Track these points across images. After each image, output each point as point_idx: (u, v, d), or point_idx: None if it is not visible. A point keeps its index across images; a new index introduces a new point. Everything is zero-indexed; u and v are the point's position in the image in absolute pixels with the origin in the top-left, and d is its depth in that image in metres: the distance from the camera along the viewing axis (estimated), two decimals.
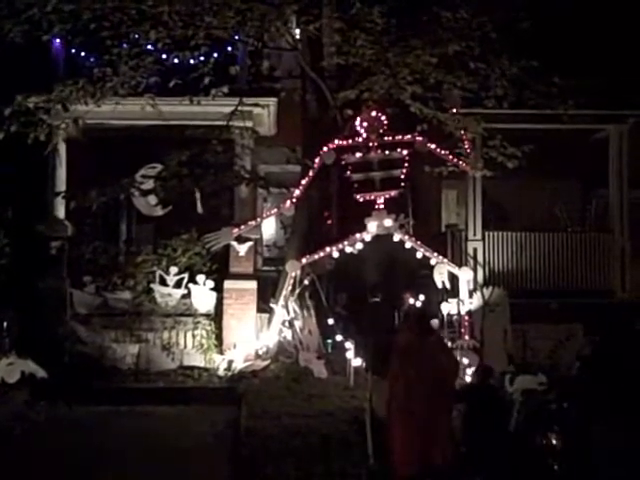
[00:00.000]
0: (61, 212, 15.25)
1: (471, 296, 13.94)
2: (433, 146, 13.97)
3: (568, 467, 8.90)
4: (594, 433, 9.19)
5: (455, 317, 13.81)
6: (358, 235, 13.91)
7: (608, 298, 14.95)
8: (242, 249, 14.58)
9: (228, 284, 14.62)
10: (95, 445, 10.27)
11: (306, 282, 13.99)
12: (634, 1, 14.61)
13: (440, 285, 13.96)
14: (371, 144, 13.86)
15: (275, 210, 14.79)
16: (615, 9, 14.46)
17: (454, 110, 13.90)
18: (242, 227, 14.30)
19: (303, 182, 14.16)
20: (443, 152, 14.06)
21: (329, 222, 17.02)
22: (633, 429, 10.19)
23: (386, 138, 13.91)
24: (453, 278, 14.09)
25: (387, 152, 13.87)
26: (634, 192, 15.49)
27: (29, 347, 12.58)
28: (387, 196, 13.97)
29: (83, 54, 14.65)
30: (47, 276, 14.49)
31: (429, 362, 8.60)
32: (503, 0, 13.29)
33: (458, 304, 13.81)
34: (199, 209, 15.63)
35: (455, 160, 14.07)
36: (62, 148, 15.13)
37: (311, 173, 14.06)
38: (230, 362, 13.76)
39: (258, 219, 14.89)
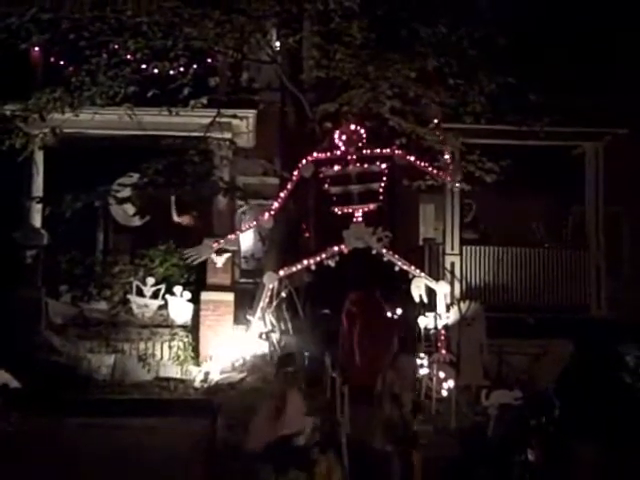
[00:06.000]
0: (37, 221, 15.16)
1: (448, 310, 13.96)
2: (412, 158, 13.99)
3: None
4: (572, 448, 9.24)
5: (432, 331, 13.83)
6: (336, 248, 13.92)
7: (583, 314, 15.02)
8: (220, 261, 14.54)
9: (205, 296, 14.58)
10: (68, 457, 10.18)
11: (283, 294, 13.97)
12: (609, 20, 14.77)
13: (417, 299, 13.97)
14: (350, 157, 13.87)
15: (254, 223, 14.77)
16: (591, 28, 14.61)
17: (436, 121, 13.94)
18: (221, 241, 14.25)
19: (281, 194, 14.15)
20: (423, 164, 14.07)
21: (307, 234, 17.02)
22: (610, 445, 10.22)
23: (365, 151, 13.94)
24: (430, 292, 14.11)
25: (366, 165, 13.89)
26: (610, 209, 15.60)
27: (2, 357, 12.46)
28: (365, 209, 14.00)
29: (62, 63, 14.55)
30: (22, 285, 14.40)
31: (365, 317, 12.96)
32: (480, 16, 13.42)
33: (435, 318, 13.83)
34: (174, 217, 15.60)
35: (435, 171, 14.06)
36: (39, 157, 15.06)
37: (289, 185, 14.05)
38: (207, 374, 13.71)
39: (237, 232, 14.87)
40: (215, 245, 14.19)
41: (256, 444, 8.45)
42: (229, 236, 14.38)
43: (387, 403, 9.16)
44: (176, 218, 16.02)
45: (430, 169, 14.09)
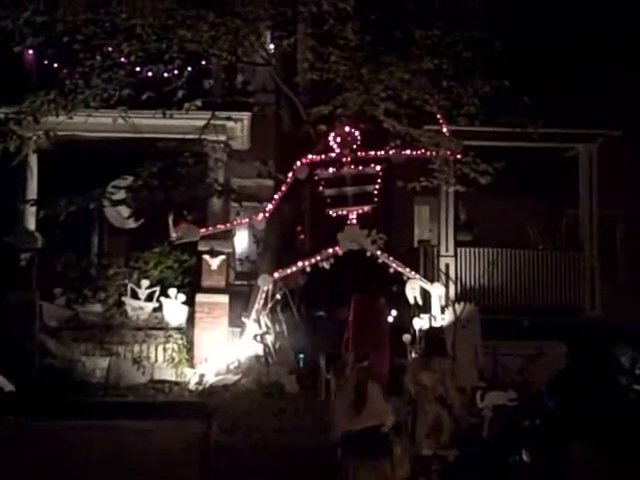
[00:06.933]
0: (31, 223, 15.13)
1: (443, 312, 13.98)
2: (408, 152, 13.96)
3: None
4: (566, 449, 9.24)
5: None
6: (330, 250, 13.93)
7: (578, 315, 15.04)
8: (214, 263, 14.55)
9: (200, 298, 14.56)
10: (63, 460, 10.16)
11: (278, 296, 13.97)
12: (603, 22, 14.81)
13: (412, 300, 13.99)
14: (344, 159, 13.90)
15: (246, 220, 14.77)
16: (585, 30, 14.66)
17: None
18: (210, 228, 14.24)
19: (276, 196, 14.16)
20: (421, 152, 14.00)
21: (301, 236, 17.02)
22: (605, 446, 10.22)
23: (359, 153, 13.96)
24: (425, 294, 14.12)
25: (360, 167, 13.92)
26: (603, 211, 15.63)
27: None
28: (360, 211, 14.02)
29: (56, 65, 14.54)
30: (16, 288, 14.34)
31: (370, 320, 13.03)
32: (474, 18, 13.45)
33: (430, 320, 13.84)
34: (172, 235, 15.57)
35: (437, 151, 13.94)
36: (33, 160, 15.03)
37: (284, 188, 14.07)
38: (201, 376, 13.69)
39: (228, 225, 14.87)
40: (202, 230, 14.18)
41: (335, 436, 8.67)
42: (219, 226, 14.37)
43: (431, 406, 9.27)
44: (173, 235, 15.98)
45: (428, 153, 13.98)
